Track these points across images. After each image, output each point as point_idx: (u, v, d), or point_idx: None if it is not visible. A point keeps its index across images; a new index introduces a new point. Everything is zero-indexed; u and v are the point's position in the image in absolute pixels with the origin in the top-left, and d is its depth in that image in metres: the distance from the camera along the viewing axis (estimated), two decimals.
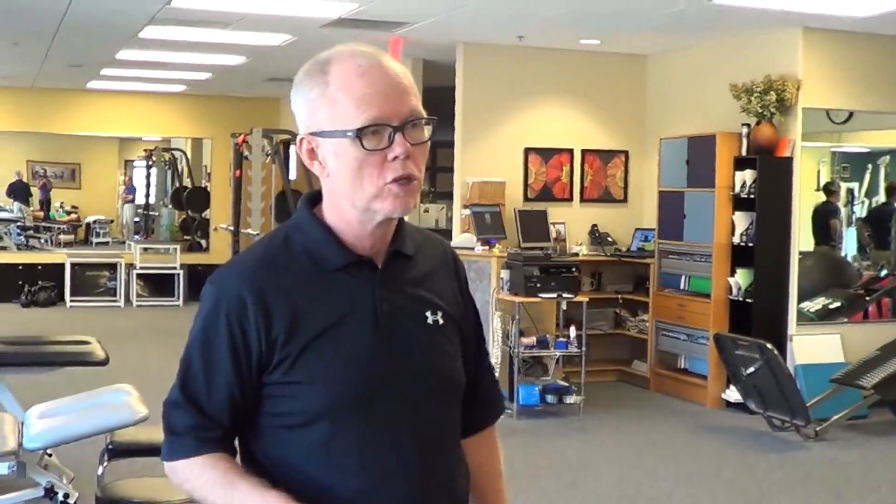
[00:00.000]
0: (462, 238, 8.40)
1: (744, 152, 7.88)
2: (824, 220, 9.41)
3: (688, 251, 8.28)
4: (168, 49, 9.78)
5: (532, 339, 7.51)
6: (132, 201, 18.71)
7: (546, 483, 5.93)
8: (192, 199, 15.46)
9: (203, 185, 15.67)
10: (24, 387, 6.02)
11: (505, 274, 7.62)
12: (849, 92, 7.93)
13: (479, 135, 8.96)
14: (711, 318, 7.93)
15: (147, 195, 17.60)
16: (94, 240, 18.04)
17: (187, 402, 1.61)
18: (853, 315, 8.24)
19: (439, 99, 8.15)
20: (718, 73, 8.36)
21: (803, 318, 7.89)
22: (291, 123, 12.31)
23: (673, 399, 8.32)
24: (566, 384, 7.67)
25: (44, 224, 17.49)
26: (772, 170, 7.73)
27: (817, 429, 7.03)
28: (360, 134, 1.56)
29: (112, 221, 18.79)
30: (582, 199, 9.30)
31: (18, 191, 17.61)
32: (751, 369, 7.08)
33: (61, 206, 18.75)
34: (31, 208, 17.91)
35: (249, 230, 10.77)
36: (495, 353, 7.40)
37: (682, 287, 8.37)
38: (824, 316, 8.07)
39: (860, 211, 10.18)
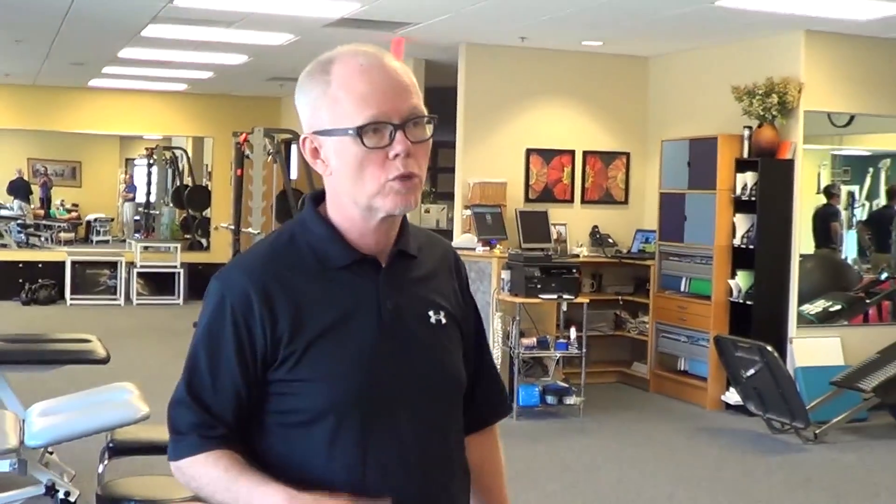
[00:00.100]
0: (463, 238, 8.41)
1: (745, 155, 7.89)
2: (825, 222, 9.42)
3: (688, 253, 8.28)
4: (170, 48, 9.78)
5: (532, 340, 7.52)
6: (133, 200, 18.70)
7: (546, 484, 5.94)
8: (193, 198, 15.45)
9: (204, 184, 15.67)
10: (25, 384, 6.03)
11: (506, 274, 7.63)
12: (850, 95, 7.94)
13: (480, 135, 8.97)
14: (712, 320, 7.94)
15: (148, 193, 17.59)
16: (95, 238, 18.05)
17: (192, 400, 1.62)
18: (853, 318, 8.25)
19: (441, 99, 8.17)
20: (720, 75, 8.36)
21: (803, 320, 7.90)
22: (293, 123, 12.29)
23: (673, 401, 8.32)
24: (566, 385, 7.67)
25: (44, 222, 17.48)
26: (773, 172, 7.74)
27: (817, 431, 7.03)
28: (360, 132, 1.57)
29: (112, 220, 18.80)
30: (583, 201, 9.31)
31: (19, 188, 17.62)
32: (751, 371, 7.09)
33: (62, 204, 18.76)
34: (32, 206, 17.91)
35: (250, 229, 10.77)
36: (495, 354, 7.41)
37: (682, 289, 8.37)
38: (824, 318, 8.07)
39: (861, 214, 10.20)
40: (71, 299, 13.40)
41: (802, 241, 8.04)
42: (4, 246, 15.01)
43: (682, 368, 8.49)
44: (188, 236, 15.45)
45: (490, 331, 7.43)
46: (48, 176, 18.71)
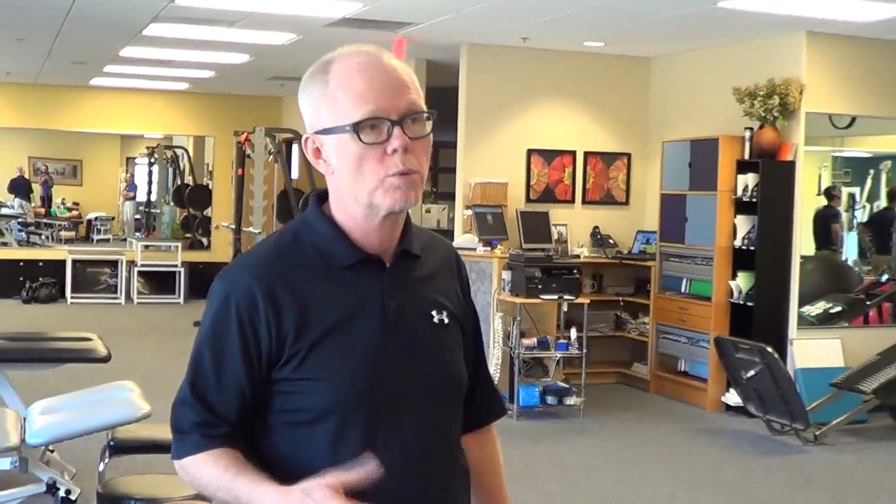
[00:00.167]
0: (464, 239, 8.41)
1: (746, 156, 7.89)
2: (825, 224, 9.43)
3: (689, 254, 8.28)
4: (172, 47, 9.78)
5: (533, 341, 7.52)
6: (133, 198, 18.72)
7: (546, 484, 5.94)
8: (194, 197, 15.46)
9: (205, 183, 15.67)
10: (26, 383, 6.03)
11: (506, 275, 7.63)
12: (852, 97, 7.94)
13: (481, 136, 8.97)
14: (712, 321, 7.94)
15: (149, 192, 17.60)
16: (95, 237, 18.06)
17: (196, 400, 1.62)
18: (854, 319, 8.25)
19: (442, 99, 8.16)
20: (722, 76, 8.36)
21: (804, 322, 7.90)
22: (294, 122, 12.28)
23: (673, 402, 8.33)
24: (566, 386, 7.68)
25: (45, 220, 17.50)
26: (774, 174, 7.74)
27: (817, 433, 7.03)
28: (357, 128, 1.57)
29: (113, 218, 18.82)
30: (584, 201, 9.31)
31: (20, 187, 17.64)
32: (751, 373, 7.09)
33: (62, 203, 18.77)
34: (33, 204, 17.93)
35: (251, 229, 10.78)
36: (496, 354, 7.42)
37: (683, 290, 8.38)
38: (825, 320, 8.07)
39: (861, 216, 10.20)
40: (71, 298, 13.40)
41: (803, 242, 8.04)
42: (5, 244, 15.02)
43: (682, 369, 8.50)
44: (189, 235, 15.47)
45: (491, 331, 7.44)
46: (49, 174, 18.73)
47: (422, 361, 1.67)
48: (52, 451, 5.25)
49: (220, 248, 13.53)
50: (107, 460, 4.67)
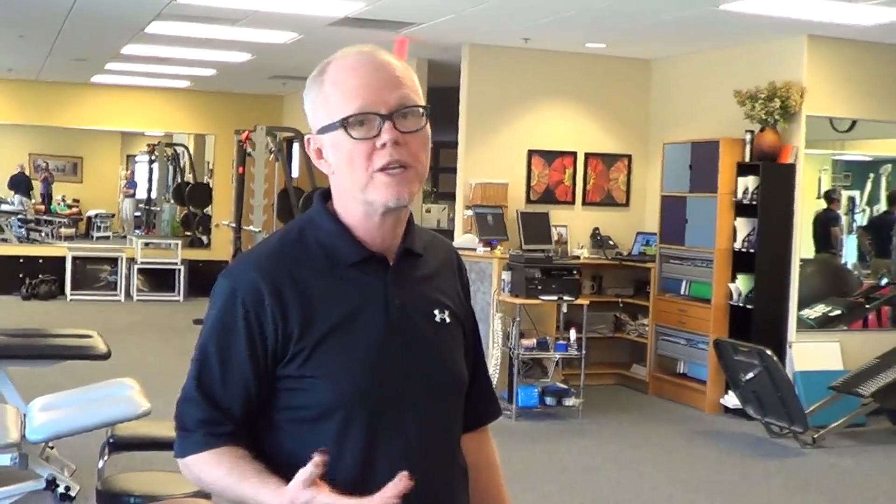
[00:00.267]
0: (464, 239, 8.42)
1: (747, 158, 7.90)
2: (825, 227, 9.43)
3: (689, 256, 8.29)
4: (173, 45, 9.79)
5: (532, 341, 7.53)
6: (134, 196, 18.73)
7: (544, 485, 5.94)
8: (194, 195, 15.46)
9: (205, 181, 15.68)
10: (25, 379, 6.03)
11: (506, 275, 7.64)
12: (852, 100, 7.95)
13: (482, 136, 8.98)
14: (711, 323, 7.95)
15: (149, 190, 17.61)
16: (95, 234, 18.07)
17: (201, 396, 1.61)
18: (853, 323, 8.26)
19: (443, 99, 8.17)
20: (723, 79, 8.37)
21: (803, 325, 7.91)
22: (295, 121, 12.30)
23: (671, 403, 8.33)
24: (565, 386, 7.68)
25: (45, 217, 17.51)
26: (774, 176, 7.75)
27: (815, 436, 7.04)
28: (345, 123, 1.58)
29: (113, 216, 18.83)
30: (584, 203, 9.32)
31: (20, 183, 17.64)
32: (750, 375, 7.10)
33: (63, 200, 18.78)
34: (33, 201, 17.94)
35: (251, 227, 10.79)
36: (495, 355, 7.43)
37: (682, 292, 8.38)
38: (824, 323, 8.08)
39: (861, 219, 10.20)
40: (71, 295, 13.40)
41: (803, 245, 8.04)
42: (5, 241, 15.02)
43: (681, 371, 8.50)
44: (189, 233, 15.47)
45: (490, 331, 7.45)
46: (49, 171, 18.74)
47: (423, 360, 1.68)
48: (51, 448, 5.26)
49: (220, 247, 13.53)
50: (106, 457, 4.67)
